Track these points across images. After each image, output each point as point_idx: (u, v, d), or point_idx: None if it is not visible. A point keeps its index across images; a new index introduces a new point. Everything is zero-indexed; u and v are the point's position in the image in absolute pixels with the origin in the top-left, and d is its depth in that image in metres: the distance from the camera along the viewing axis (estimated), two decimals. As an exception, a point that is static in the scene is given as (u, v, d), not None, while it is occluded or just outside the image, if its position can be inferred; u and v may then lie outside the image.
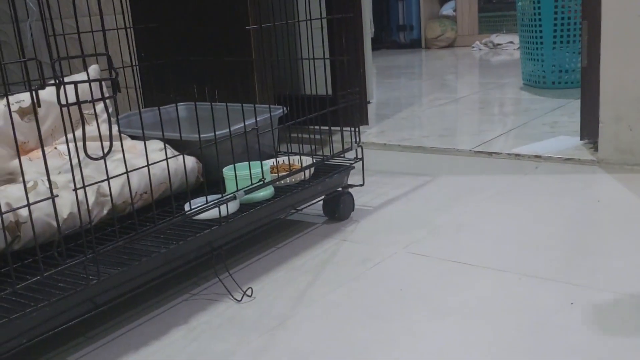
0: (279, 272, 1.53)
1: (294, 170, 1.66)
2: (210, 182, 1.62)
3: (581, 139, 2.35)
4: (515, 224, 1.72)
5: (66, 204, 1.43)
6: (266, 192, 1.60)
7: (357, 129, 1.81)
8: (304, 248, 1.66)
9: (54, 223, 1.40)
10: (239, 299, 1.40)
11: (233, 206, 1.50)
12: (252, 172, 1.53)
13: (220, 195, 1.48)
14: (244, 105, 1.66)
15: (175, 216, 1.39)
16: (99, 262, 1.24)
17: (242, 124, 1.61)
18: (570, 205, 1.83)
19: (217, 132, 1.52)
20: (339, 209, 1.81)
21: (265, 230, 1.77)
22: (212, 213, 1.46)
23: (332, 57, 2.62)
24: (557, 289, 1.34)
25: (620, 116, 2.09)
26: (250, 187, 1.51)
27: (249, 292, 1.42)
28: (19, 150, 1.19)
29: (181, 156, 1.58)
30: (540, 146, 2.39)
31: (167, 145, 1.67)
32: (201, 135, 1.56)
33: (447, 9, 6.74)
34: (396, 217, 1.84)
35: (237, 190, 1.49)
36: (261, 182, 1.54)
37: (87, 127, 1.84)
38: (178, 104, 2.12)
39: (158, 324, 1.34)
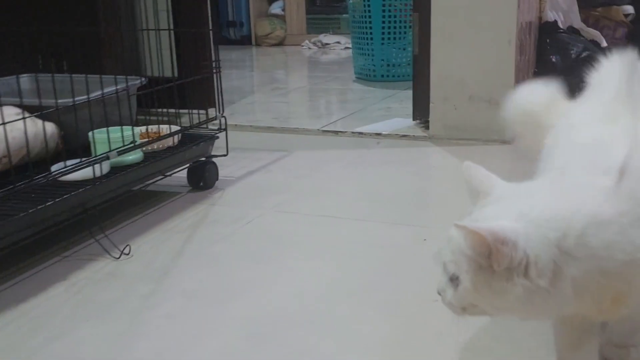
0: (154, 233, 1.56)
1: (163, 135, 1.69)
2: (68, 150, 1.59)
3: (414, 120, 2.61)
4: (367, 186, 1.90)
5: None
6: (136, 156, 1.61)
7: (219, 100, 1.88)
8: (174, 212, 1.70)
9: None
10: (117, 257, 1.42)
11: (104, 167, 1.50)
12: (123, 135, 1.54)
13: (86, 159, 1.47)
14: (102, 76, 1.65)
15: (46, 175, 1.37)
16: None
17: (100, 92, 1.60)
18: (410, 170, 2.06)
19: (75, 99, 1.50)
20: (205, 177, 1.86)
21: (133, 198, 1.78)
22: (83, 174, 1.46)
23: (179, 29, 2.62)
24: (410, 231, 1.53)
25: (447, 97, 2.37)
26: (122, 148, 1.53)
27: (126, 250, 1.44)
28: None
29: (40, 120, 1.54)
30: (379, 126, 2.62)
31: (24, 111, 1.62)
32: (59, 101, 1.53)
33: (275, 8, 6.94)
34: (260, 184, 1.94)
35: (110, 151, 1.49)
36: (132, 144, 1.56)
37: None
38: (20, 75, 2.03)
39: (35, 282, 1.32)
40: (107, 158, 1.48)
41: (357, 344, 1.07)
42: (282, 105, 3.23)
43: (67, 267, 1.38)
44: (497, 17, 2.24)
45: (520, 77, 2.35)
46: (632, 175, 0.73)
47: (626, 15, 2.93)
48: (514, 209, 0.73)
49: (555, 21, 2.64)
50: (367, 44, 3.84)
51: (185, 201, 1.80)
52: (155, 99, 1.75)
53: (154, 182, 1.71)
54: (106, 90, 1.60)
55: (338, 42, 6.41)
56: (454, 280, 0.74)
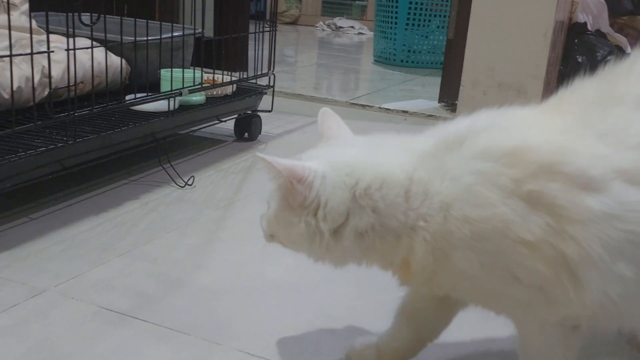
0: (210, 171, 1.67)
1: (227, 82, 1.79)
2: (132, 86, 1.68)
3: (439, 102, 2.74)
4: None
5: (14, 78, 1.44)
6: (200, 98, 1.72)
7: (272, 56, 1.99)
8: (225, 156, 1.81)
9: (5, 94, 1.41)
10: (182, 185, 1.52)
11: (175, 103, 1.61)
12: (192, 76, 1.65)
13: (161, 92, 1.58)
14: (162, 23, 1.74)
15: (125, 101, 1.46)
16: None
17: (175, 34, 1.69)
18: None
19: (152, 38, 1.60)
20: (251, 129, 1.97)
21: (186, 139, 1.88)
22: (156, 106, 1.56)
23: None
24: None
25: (477, 82, 2.50)
26: (192, 87, 1.63)
27: (190, 181, 1.54)
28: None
29: (112, 54, 1.64)
30: (405, 104, 2.74)
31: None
32: (130, 39, 1.62)
33: (293, -13, 7.01)
34: (298, 142, 2.05)
35: (182, 88, 1.60)
36: (199, 86, 1.66)
37: (4, 17, 1.80)
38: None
39: (110, 197, 1.43)
40: (180, 94, 1.58)
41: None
42: (307, 77, 3.34)
43: (137, 189, 1.49)
44: (536, 11, 2.36)
45: (550, 72, 2.48)
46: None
47: (648, 27, 3.06)
48: (331, 153, 0.76)
49: (585, 23, 2.77)
50: (391, 28, 3.95)
51: (233, 149, 1.90)
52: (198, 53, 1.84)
53: (211, 125, 1.81)
54: (172, 34, 1.71)
55: (352, 27, 6.51)
56: (267, 206, 0.80)
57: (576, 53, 2.73)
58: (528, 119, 0.75)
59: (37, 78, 1.48)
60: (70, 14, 1.24)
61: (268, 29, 1.97)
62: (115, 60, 1.68)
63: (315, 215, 0.73)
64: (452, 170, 0.71)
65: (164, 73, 1.67)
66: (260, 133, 2.04)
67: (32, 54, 1.19)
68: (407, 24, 3.90)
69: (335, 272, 1.13)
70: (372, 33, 6.00)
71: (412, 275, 0.75)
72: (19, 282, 1.05)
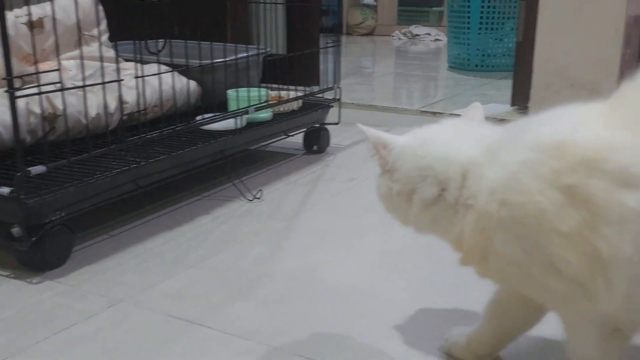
0: (278, 184, 1.74)
1: (291, 98, 1.86)
2: (204, 107, 1.77)
3: (512, 105, 2.70)
4: None
5: (92, 105, 1.56)
6: (266, 115, 1.79)
7: (337, 70, 2.04)
8: (294, 169, 1.87)
9: (84, 120, 1.53)
10: (251, 199, 1.59)
11: (243, 121, 1.68)
12: (258, 95, 1.72)
13: (227, 112, 1.66)
14: (227, 44, 1.82)
15: (195, 122, 1.55)
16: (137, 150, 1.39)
17: (240, 56, 1.78)
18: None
19: (217, 61, 1.68)
20: (319, 141, 2.03)
21: (257, 154, 1.96)
22: (224, 125, 1.64)
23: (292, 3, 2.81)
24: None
25: (549, 83, 2.45)
26: (258, 105, 1.70)
27: (258, 195, 1.61)
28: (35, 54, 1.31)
29: (184, 78, 1.74)
30: (477, 109, 2.71)
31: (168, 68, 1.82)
32: (202, 61, 1.72)
33: (368, -1, 7.08)
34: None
35: (249, 106, 1.67)
36: (265, 103, 1.74)
37: (85, 48, 1.94)
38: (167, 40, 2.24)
39: (184, 213, 1.51)
40: (246, 112, 1.66)
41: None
42: (376, 88, 3.37)
43: (209, 204, 1.57)
44: (605, 7, 2.30)
45: (627, 69, 2.39)
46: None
47: None
48: (421, 131, 0.88)
49: (662, 16, 2.66)
50: (464, 33, 3.92)
51: (302, 161, 1.97)
52: (267, 71, 1.91)
53: (279, 140, 1.88)
54: (241, 55, 1.79)
55: (428, 34, 6.48)
56: None
57: (656, 47, 2.63)
58: (588, 115, 0.75)
59: (113, 105, 1.60)
60: (137, 43, 1.34)
61: (332, 44, 2.03)
62: (185, 83, 1.79)
63: (392, 177, 0.86)
64: (503, 157, 0.76)
65: (231, 93, 1.75)
66: (328, 145, 2.09)
67: (103, 83, 1.29)
68: (480, 28, 3.85)
69: (392, 279, 1.18)
70: (448, 39, 5.99)
71: (466, 253, 0.81)
72: (97, 294, 1.14)
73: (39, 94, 1.16)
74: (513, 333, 0.91)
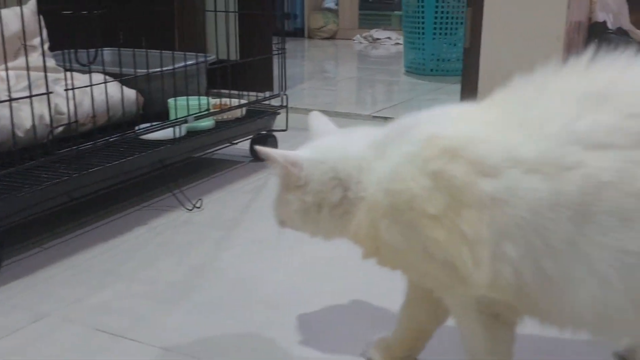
0: (221, 193, 1.74)
1: (232, 106, 1.87)
2: (144, 116, 1.77)
3: (461, 110, 2.74)
4: None
5: (27, 117, 1.54)
6: (208, 123, 1.79)
7: (283, 78, 2.05)
8: (238, 177, 1.87)
9: (20, 133, 1.51)
10: (190, 208, 1.60)
11: (182, 130, 1.68)
12: (200, 103, 1.72)
13: (166, 121, 1.66)
14: (164, 52, 1.82)
15: (133, 131, 1.55)
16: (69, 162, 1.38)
17: (180, 65, 1.77)
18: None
19: (154, 70, 1.67)
20: (265, 148, 2.03)
21: (202, 162, 1.96)
22: (163, 134, 1.64)
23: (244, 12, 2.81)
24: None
25: (494, 89, 2.49)
26: (198, 114, 1.71)
27: (198, 204, 1.62)
28: None
29: (123, 87, 1.73)
30: (427, 114, 2.75)
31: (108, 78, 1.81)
32: (139, 71, 1.71)
33: (329, 2, 7.10)
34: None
35: (188, 116, 1.67)
36: (206, 112, 1.74)
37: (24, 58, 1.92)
38: (103, 49, 2.23)
39: (120, 224, 1.51)
40: (185, 122, 1.66)
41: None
42: (333, 92, 3.40)
43: (147, 215, 1.56)
44: (546, 14, 2.35)
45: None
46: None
47: (676, 20, 2.98)
48: (316, 144, 0.91)
49: (605, 22, 2.73)
50: (419, 38, 3.96)
51: (248, 169, 1.97)
52: (218, 77, 1.92)
53: (222, 148, 1.88)
54: (180, 64, 1.79)
55: (389, 38, 6.53)
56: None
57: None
58: (463, 114, 0.85)
59: (48, 116, 1.58)
60: (67, 52, 1.33)
61: (276, 51, 2.04)
62: (124, 92, 1.78)
63: (305, 191, 0.87)
64: (389, 151, 0.83)
65: (171, 102, 1.75)
66: (275, 152, 2.09)
67: (30, 96, 1.28)
68: (435, 33, 3.90)
69: (324, 287, 1.19)
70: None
71: (363, 245, 0.87)
72: (25, 308, 1.13)
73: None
74: (425, 330, 0.96)
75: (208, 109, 1.75)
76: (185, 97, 1.74)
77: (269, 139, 2.04)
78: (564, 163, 0.71)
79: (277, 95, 2.05)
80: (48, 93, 1.30)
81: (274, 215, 0.95)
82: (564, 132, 0.72)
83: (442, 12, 3.87)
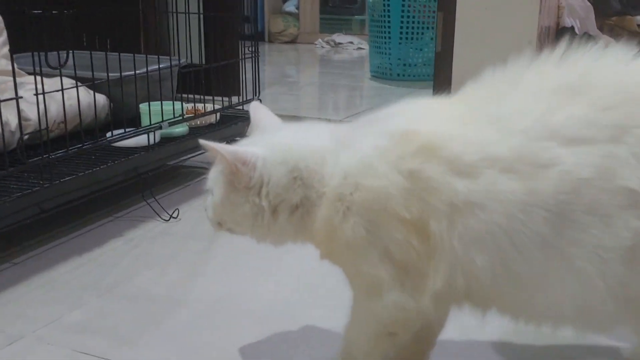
0: (196, 202, 1.67)
1: (207, 111, 1.80)
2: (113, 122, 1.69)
3: (432, 115, 2.73)
4: None
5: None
6: (182, 129, 1.73)
7: (257, 83, 2.00)
8: (213, 184, 1.81)
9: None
10: (167, 219, 1.53)
11: (156, 137, 1.61)
12: (172, 108, 1.66)
13: (140, 127, 1.58)
14: (137, 55, 1.74)
15: (106, 139, 1.48)
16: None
17: (152, 68, 1.70)
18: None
19: (124, 74, 1.60)
20: (239, 155, 1.97)
21: (174, 170, 1.89)
22: (136, 141, 1.57)
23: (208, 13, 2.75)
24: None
25: (467, 94, 2.49)
26: (173, 119, 1.64)
27: (175, 214, 1.55)
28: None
29: (92, 92, 1.65)
30: (399, 119, 2.73)
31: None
32: (111, 74, 1.63)
33: (289, 6, 7.06)
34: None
35: (162, 122, 1.61)
36: (180, 117, 1.68)
37: (-11, 62, 1.82)
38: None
39: (95, 236, 1.43)
40: (160, 127, 1.59)
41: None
42: (301, 97, 3.35)
43: (122, 226, 1.49)
44: (519, 18, 2.36)
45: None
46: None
47: (639, 26, 3.04)
48: (266, 139, 0.84)
49: (572, 27, 2.76)
50: (385, 43, 3.95)
51: (222, 176, 1.90)
52: (190, 81, 1.85)
53: (196, 155, 1.82)
54: (150, 68, 1.71)
55: (351, 42, 6.53)
56: (210, 194, 0.85)
57: (567, 57, 2.72)
58: (434, 108, 0.83)
59: (14, 122, 1.49)
60: (37, 54, 1.25)
61: (250, 55, 1.98)
62: (93, 97, 1.70)
63: (259, 193, 0.80)
64: (356, 143, 0.79)
65: (143, 107, 1.68)
66: (249, 159, 2.04)
67: None
68: (401, 38, 3.90)
69: (310, 300, 1.14)
70: (370, 48, 6.04)
71: (320, 243, 0.82)
72: (-3, 329, 1.05)
73: None
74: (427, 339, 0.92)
75: (182, 115, 1.69)
76: (158, 102, 1.67)
77: (243, 145, 1.99)
78: (539, 160, 0.69)
79: (251, 100, 1.99)
80: (17, 98, 1.22)
81: (210, 217, 0.87)
82: (539, 127, 0.71)
83: (408, 17, 3.87)
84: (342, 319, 1.08)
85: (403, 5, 3.83)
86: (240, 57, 1.96)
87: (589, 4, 2.90)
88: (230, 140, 1.92)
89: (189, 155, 1.78)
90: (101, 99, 1.72)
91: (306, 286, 1.23)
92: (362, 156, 0.77)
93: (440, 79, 2.65)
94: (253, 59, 2.00)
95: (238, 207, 0.82)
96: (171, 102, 1.69)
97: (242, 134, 1.97)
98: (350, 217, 0.76)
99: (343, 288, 1.17)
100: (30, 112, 1.47)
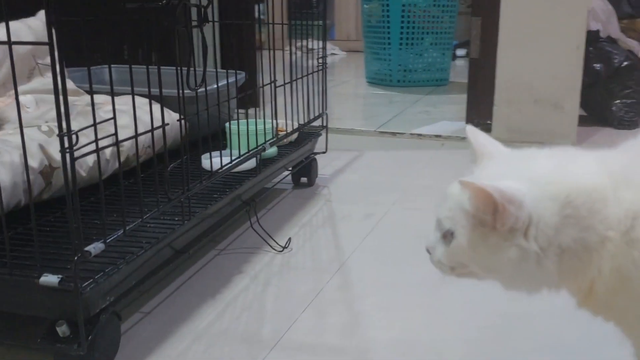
0: (293, 229, 1.54)
1: (294, 129, 1.67)
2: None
3: (467, 122, 2.67)
4: None
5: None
6: (274, 150, 1.59)
7: (324, 95, 1.88)
8: (297, 208, 1.67)
9: (82, 172, 1.26)
10: (280, 250, 1.39)
11: (254, 161, 1.47)
12: (265, 128, 1.52)
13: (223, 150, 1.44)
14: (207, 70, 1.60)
15: (228, 164, 1.32)
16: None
17: (222, 83, 1.55)
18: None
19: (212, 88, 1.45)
20: (310, 173, 1.85)
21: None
22: (246, 165, 1.43)
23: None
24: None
25: (512, 100, 2.44)
26: (273, 140, 1.50)
27: (285, 244, 1.41)
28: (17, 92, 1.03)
29: (172, 112, 1.50)
30: (434, 128, 2.66)
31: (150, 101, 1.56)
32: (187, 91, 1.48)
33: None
34: (358, 180, 1.94)
35: (265, 142, 1.47)
36: (276, 138, 1.54)
37: (41, 79, 1.64)
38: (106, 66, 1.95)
39: (210, 274, 1.28)
40: (264, 149, 1.45)
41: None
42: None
43: (234, 260, 1.35)
44: (565, 23, 2.33)
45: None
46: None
47: (649, 28, 3.08)
48: (517, 171, 0.74)
49: (598, 31, 2.76)
50: (384, 48, 3.88)
51: (298, 197, 1.78)
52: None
53: (285, 176, 1.69)
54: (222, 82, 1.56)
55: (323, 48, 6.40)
56: (447, 236, 0.75)
57: (592, 61, 2.71)
58: None
59: (109, 150, 1.33)
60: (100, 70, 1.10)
61: (320, 67, 1.86)
62: (172, 116, 1.54)
63: (526, 235, 0.70)
64: (636, 176, 0.70)
65: (233, 127, 1.53)
66: (317, 176, 1.92)
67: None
68: (401, 44, 3.84)
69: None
70: (344, 53, 5.96)
71: (595, 297, 0.73)
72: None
73: (97, 150, 0.90)
74: None
75: (277, 134, 1.55)
76: (244, 122, 1.53)
77: (312, 164, 1.86)
78: None
79: (321, 115, 1.87)
80: (115, 118, 1.05)
81: (443, 262, 0.76)
82: None
83: (409, 23, 3.81)
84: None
85: (403, 11, 3.78)
86: (309, 72, 1.82)
87: (610, 7, 2.91)
88: (306, 156, 1.79)
89: (282, 177, 1.64)
90: (176, 117, 1.56)
91: (486, 327, 1.12)
92: None
93: (475, 85, 2.59)
94: (320, 73, 1.88)
95: (501, 251, 0.71)
96: (260, 120, 1.54)
97: (313, 149, 1.85)
98: None
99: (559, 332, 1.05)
100: (121, 136, 1.31)
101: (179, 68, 1.14)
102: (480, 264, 0.74)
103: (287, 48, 6.37)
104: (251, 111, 1.53)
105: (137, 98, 1.55)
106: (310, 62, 4.56)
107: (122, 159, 1.31)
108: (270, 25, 1.81)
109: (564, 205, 0.70)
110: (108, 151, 1.32)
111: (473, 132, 0.84)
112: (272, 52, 1.67)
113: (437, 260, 0.77)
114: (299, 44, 6.79)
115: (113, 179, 1.32)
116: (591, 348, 1.02)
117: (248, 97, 1.50)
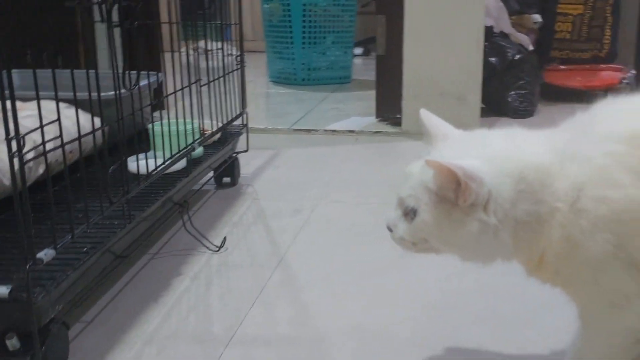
0: (225, 228, 1.53)
1: (217, 128, 1.66)
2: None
3: (377, 117, 2.74)
4: (384, 176, 1.95)
5: (4, 159, 1.22)
6: (201, 150, 1.58)
7: (243, 94, 1.88)
8: (225, 208, 1.66)
9: (5, 180, 1.19)
10: (216, 249, 1.38)
11: (184, 161, 1.46)
12: (191, 128, 1.50)
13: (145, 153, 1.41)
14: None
15: (162, 165, 1.29)
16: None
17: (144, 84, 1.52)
18: (403, 159, 2.18)
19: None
20: (233, 172, 1.84)
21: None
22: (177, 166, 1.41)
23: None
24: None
25: (418, 95, 2.53)
26: (200, 139, 1.49)
27: (221, 243, 1.40)
28: None
29: (90, 115, 1.45)
30: (346, 124, 2.71)
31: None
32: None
33: (149, 15, 6.74)
34: (281, 177, 1.95)
35: (193, 142, 1.45)
36: (202, 138, 1.53)
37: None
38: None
39: (149, 277, 1.26)
40: (193, 149, 1.43)
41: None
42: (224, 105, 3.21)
43: (170, 263, 1.33)
44: (465, 19, 2.45)
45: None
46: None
47: (535, 23, 3.29)
48: (474, 150, 0.79)
49: (492, 26, 2.93)
50: (287, 48, 3.91)
51: (223, 197, 1.76)
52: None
53: (210, 177, 1.67)
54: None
55: (220, 49, 6.35)
56: (409, 214, 0.79)
57: (488, 56, 2.87)
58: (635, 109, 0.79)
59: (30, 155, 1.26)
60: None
61: (237, 65, 1.86)
62: (90, 119, 1.49)
63: (486, 209, 0.75)
64: (581, 152, 0.75)
65: (157, 128, 1.51)
66: (239, 175, 1.91)
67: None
68: (304, 43, 3.88)
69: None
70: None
71: (545, 265, 0.78)
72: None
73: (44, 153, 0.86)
74: None
75: (202, 134, 1.54)
76: (165, 123, 1.50)
77: (235, 163, 1.86)
78: None
79: (242, 114, 1.87)
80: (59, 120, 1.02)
81: (405, 237, 0.79)
82: None
83: (310, 22, 3.86)
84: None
85: (304, 10, 3.82)
86: (229, 72, 1.82)
87: (501, 4, 3.08)
88: (229, 156, 1.79)
89: (208, 178, 1.63)
90: (97, 122, 1.51)
91: (428, 305, 1.17)
92: (596, 166, 0.74)
93: (383, 81, 2.67)
94: (239, 69, 1.89)
95: (460, 226, 0.76)
96: (182, 121, 1.52)
97: (235, 149, 1.85)
98: (597, 233, 0.73)
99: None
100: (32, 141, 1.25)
101: (114, 70, 1.09)
102: (442, 239, 0.79)
103: (182, 49, 6.20)
104: (169, 112, 1.51)
105: (51, 103, 1.49)
106: (210, 63, 4.47)
107: (47, 164, 1.27)
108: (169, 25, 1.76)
109: (518, 181, 0.75)
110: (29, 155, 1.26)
111: (426, 115, 0.88)
112: (175, 53, 1.64)
113: (399, 237, 0.81)
114: (194, 45, 6.62)
115: (36, 186, 1.26)
116: (524, 317, 1.10)
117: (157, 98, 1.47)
